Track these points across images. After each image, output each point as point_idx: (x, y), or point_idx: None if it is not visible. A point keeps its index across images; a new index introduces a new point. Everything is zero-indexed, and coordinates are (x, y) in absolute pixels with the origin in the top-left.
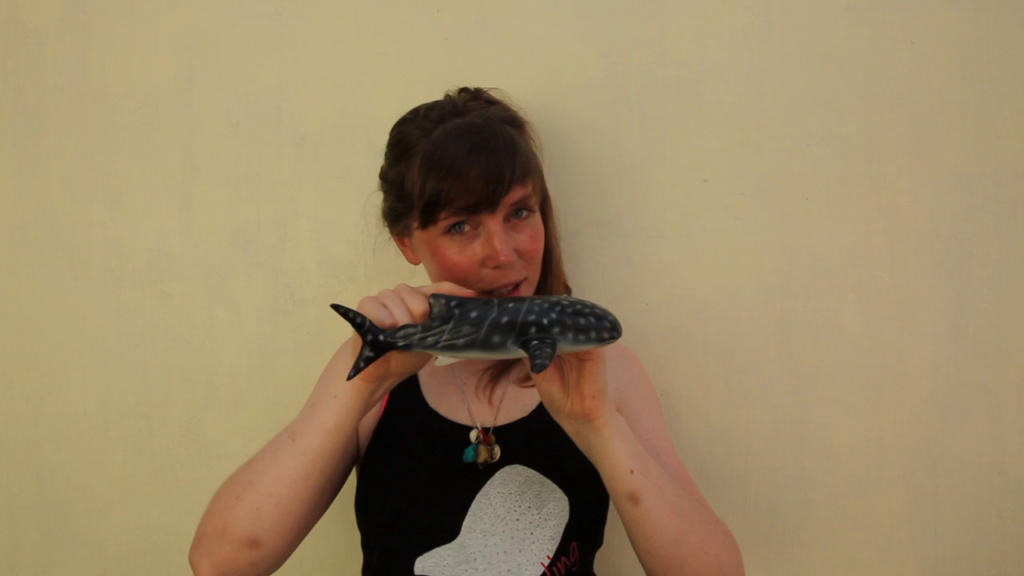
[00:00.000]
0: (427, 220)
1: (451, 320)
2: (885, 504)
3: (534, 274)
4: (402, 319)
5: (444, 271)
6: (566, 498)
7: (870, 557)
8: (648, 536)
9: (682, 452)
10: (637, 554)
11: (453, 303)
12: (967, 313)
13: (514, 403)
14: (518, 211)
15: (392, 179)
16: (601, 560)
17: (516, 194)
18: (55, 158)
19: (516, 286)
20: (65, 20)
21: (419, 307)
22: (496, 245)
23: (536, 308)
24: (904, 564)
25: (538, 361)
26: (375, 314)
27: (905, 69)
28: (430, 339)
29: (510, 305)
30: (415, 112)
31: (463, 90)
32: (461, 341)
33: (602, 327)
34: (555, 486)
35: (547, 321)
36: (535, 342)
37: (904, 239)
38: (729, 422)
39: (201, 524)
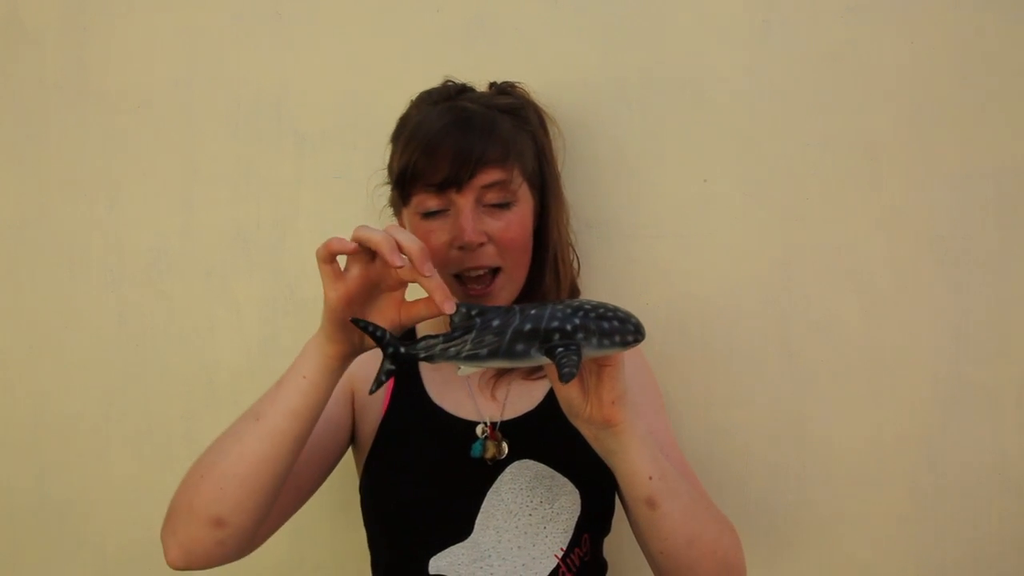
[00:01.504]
0: (403, 196)
1: (472, 329)
2: (885, 504)
3: (512, 266)
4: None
5: None
6: (577, 491)
7: (870, 557)
8: (663, 538)
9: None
10: (649, 554)
11: (474, 312)
12: (967, 313)
13: (520, 396)
14: (499, 203)
15: (390, 156)
16: (607, 545)
17: (488, 176)
18: (55, 158)
19: (492, 274)
20: (65, 20)
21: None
22: (462, 223)
23: (559, 313)
24: (904, 564)
25: (565, 370)
26: (369, 233)
27: (905, 69)
28: (452, 349)
29: (532, 311)
30: (421, 93)
31: (492, 84)
32: (484, 351)
33: (626, 330)
34: (566, 480)
35: (570, 327)
36: (560, 349)
37: (904, 239)
38: (729, 422)
39: (170, 504)
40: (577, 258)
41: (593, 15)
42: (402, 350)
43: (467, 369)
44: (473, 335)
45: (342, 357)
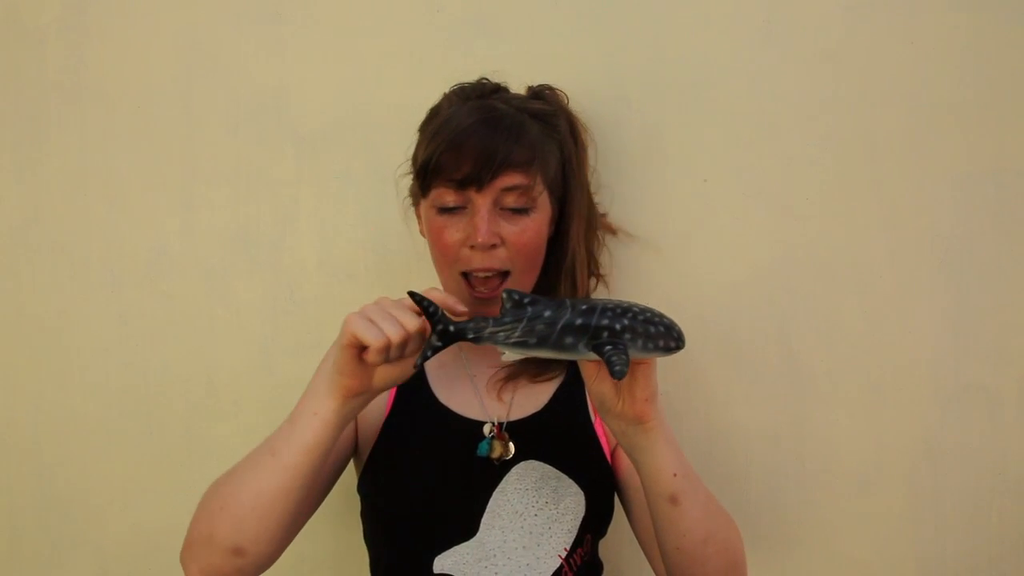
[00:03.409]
0: (423, 188)
1: (523, 317)
2: (885, 504)
3: (521, 270)
4: (395, 335)
5: (433, 244)
6: (582, 493)
7: (870, 557)
8: (681, 535)
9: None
10: (663, 551)
11: (526, 300)
12: (967, 313)
13: (526, 398)
14: (517, 207)
15: (416, 146)
16: (606, 546)
17: (509, 179)
18: (55, 158)
19: (500, 277)
20: (65, 20)
21: (413, 323)
22: (477, 223)
23: (609, 312)
24: (904, 564)
25: (617, 368)
26: (364, 332)
27: (905, 69)
28: (501, 334)
29: (583, 307)
30: (455, 87)
31: (529, 88)
32: (533, 339)
33: (670, 337)
34: (571, 481)
35: (619, 327)
36: (609, 347)
37: (904, 239)
38: (729, 422)
39: (190, 528)
40: (598, 270)
41: (593, 15)
42: (451, 328)
43: (512, 355)
44: (524, 323)
45: (352, 395)
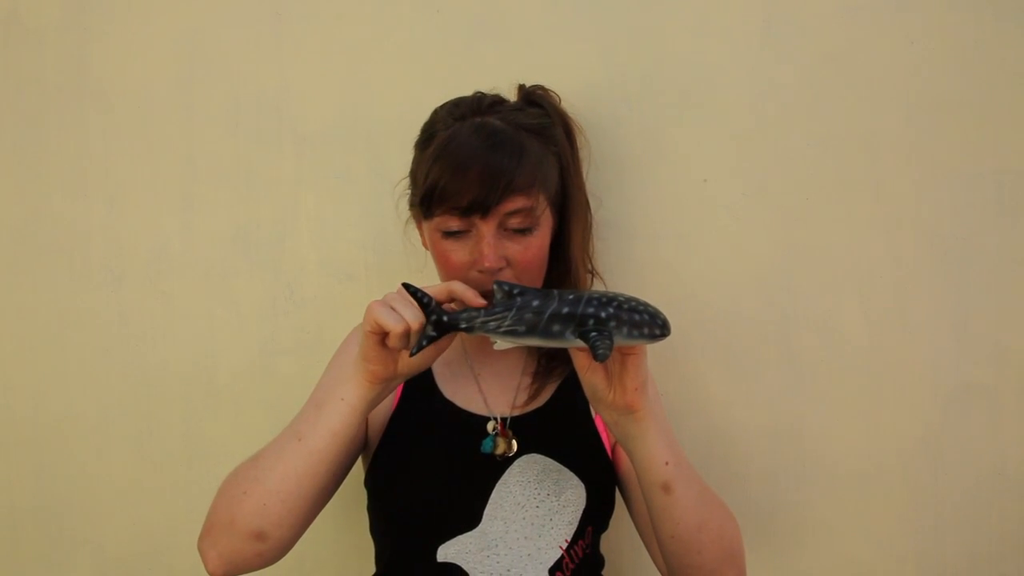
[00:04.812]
0: (425, 212)
1: (513, 307)
2: (885, 504)
3: (527, 282)
4: (414, 322)
5: (439, 265)
6: (583, 485)
7: (870, 557)
8: (675, 523)
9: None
10: (659, 539)
11: (516, 291)
12: (967, 313)
13: (529, 394)
14: (521, 228)
15: (414, 163)
16: (606, 542)
17: (513, 204)
18: (55, 158)
19: None
20: (65, 20)
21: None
22: (483, 249)
23: (595, 302)
24: (904, 564)
25: (600, 351)
26: (384, 318)
27: (905, 69)
28: (492, 323)
29: (570, 297)
30: (448, 103)
31: (521, 87)
32: (523, 328)
33: (654, 324)
34: (572, 474)
35: (605, 314)
36: (594, 333)
37: (904, 239)
38: (729, 422)
39: (209, 515)
40: (593, 269)
41: (593, 15)
42: (445, 319)
43: (503, 344)
44: (513, 313)
45: (378, 380)
